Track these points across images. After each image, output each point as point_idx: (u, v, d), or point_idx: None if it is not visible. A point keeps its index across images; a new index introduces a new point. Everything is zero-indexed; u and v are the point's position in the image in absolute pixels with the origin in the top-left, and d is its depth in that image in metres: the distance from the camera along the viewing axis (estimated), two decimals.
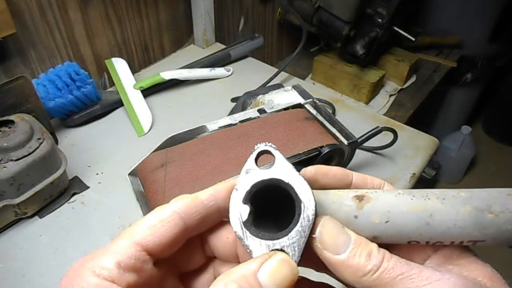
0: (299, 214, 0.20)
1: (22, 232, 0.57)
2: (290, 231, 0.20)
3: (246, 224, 0.20)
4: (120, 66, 0.83)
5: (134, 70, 0.89)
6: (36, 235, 0.57)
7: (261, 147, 0.22)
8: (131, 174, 0.46)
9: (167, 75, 0.82)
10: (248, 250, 0.20)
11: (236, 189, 0.21)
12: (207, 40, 0.99)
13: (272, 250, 0.20)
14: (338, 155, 0.47)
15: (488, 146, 2.17)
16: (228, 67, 0.91)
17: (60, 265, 0.53)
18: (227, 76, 0.90)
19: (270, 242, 0.20)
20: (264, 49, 1.28)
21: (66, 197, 0.61)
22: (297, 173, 0.21)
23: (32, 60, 0.73)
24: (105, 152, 0.70)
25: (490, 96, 2.05)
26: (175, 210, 0.21)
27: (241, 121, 0.49)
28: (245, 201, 0.21)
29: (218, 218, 0.22)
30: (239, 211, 0.21)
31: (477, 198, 0.21)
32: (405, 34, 1.09)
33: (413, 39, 1.09)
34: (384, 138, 0.68)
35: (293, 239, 0.20)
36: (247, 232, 0.20)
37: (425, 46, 1.39)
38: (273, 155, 0.22)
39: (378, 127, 0.63)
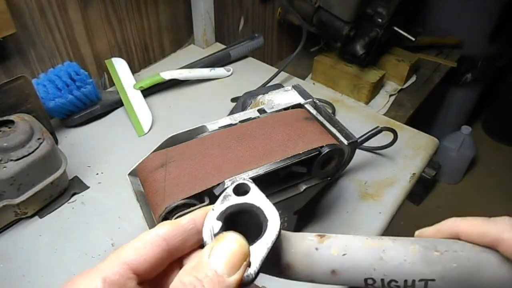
0: (265, 230, 0.22)
1: (22, 232, 0.57)
2: (255, 243, 0.21)
3: (216, 235, 0.22)
4: (120, 66, 0.83)
5: (134, 70, 0.89)
6: (36, 235, 0.57)
7: (240, 180, 0.25)
8: (131, 174, 0.45)
9: (167, 75, 0.82)
10: None
11: (213, 209, 0.23)
12: (207, 40, 0.99)
13: None
14: (338, 155, 0.47)
15: (488, 146, 2.17)
16: (228, 67, 0.91)
17: (60, 265, 0.53)
18: (227, 76, 0.90)
19: None
20: (264, 49, 1.28)
21: (66, 197, 0.61)
22: (268, 201, 0.23)
23: (32, 60, 0.73)
24: (105, 152, 0.70)
25: (490, 96, 2.05)
26: (158, 233, 0.23)
27: (241, 121, 0.49)
28: (219, 218, 0.23)
29: (198, 241, 0.24)
30: (212, 225, 0.23)
31: (424, 240, 0.24)
32: (405, 34, 1.09)
33: (413, 39, 1.09)
34: (384, 138, 0.68)
35: (256, 248, 0.21)
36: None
37: (425, 46, 1.39)
38: (249, 186, 0.24)
39: (378, 127, 0.63)
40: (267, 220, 0.22)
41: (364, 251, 0.23)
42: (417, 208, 1.87)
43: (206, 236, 0.22)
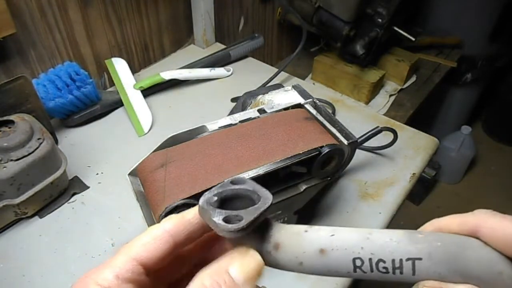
0: (258, 201, 0.23)
1: (22, 232, 0.57)
2: (248, 208, 0.23)
3: (211, 203, 0.23)
4: (120, 66, 0.83)
5: (134, 70, 0.89)
6: (36, 235, 0.57)
7: (236, 176, 0.27)
8: (131, 174, 0.45)
9: (167, 75, 0.82)
10: (208, 215, 0.23)
11: (210, 191, 0.25)
12: (207, 40, 0.99)
13: (230, 215, 0.22)
14: (338, 155, 0.47)
15: (488, 146, 2.17)
16: (228, 67, 0.91)
17: (60, 265, 0.53)
18: (227, 76, 0.90)
19: (228, 211, 0.23)
20: (264, 49, 1.28)
21: (66, 197, 0.61)
22: (262, 187, 0.25)
23: (32, 60, 0.73)
24: (105, 152, 0.70)
25: (490, 96, 2.05)
26: (165, 229, 0.24)
27: (241, 121, 0.49)
28: (215, 195, 0.24)
29: (203, 234, 0.26)
30: (208, 197, 0.24)
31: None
32: (405, 34, 1.09)
33: (413, 39, 1.09)
34: (384, 138, 0.68)
35: (249, 211, 0.23)
36: (211, 206, 0.23)
37: (425, 46, 1.39)
38: (245, 180, 0.26)
39: (378, 127, 0.63)
40: (260, 197, 0.24)
41: (352, 232, 0.24)
42: (417, 208, 1.87)
43: (202, 202, 0.23)
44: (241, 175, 0.41)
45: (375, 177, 0.67)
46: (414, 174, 0.68)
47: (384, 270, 0.23)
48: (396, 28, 1.09)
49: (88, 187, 0.64)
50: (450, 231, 0.24)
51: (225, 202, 0.24)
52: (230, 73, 0.91)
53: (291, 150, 0.44)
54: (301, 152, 0.44)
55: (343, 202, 0.63)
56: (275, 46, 1.34)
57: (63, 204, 0.61)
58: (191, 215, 0.25)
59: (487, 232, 0.22)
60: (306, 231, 0.24)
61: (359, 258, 0.23)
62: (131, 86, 0.80)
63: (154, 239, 0.24)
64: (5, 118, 0.56)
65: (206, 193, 0.24)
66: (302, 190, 0.49)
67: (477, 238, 0.23)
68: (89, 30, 0.79)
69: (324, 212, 0.61)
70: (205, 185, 0.40)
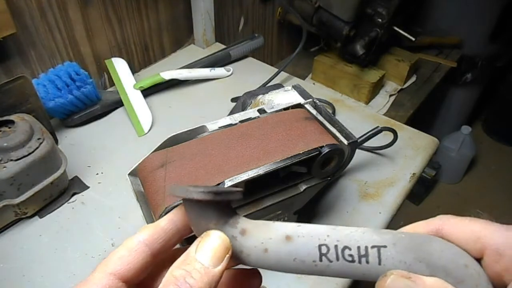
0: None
1: (22, 232, 0.57)
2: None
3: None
4: (120, 66, 0.83)
5: (134, 70, 0.89)
6: (36, 235, 0.57)
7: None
8: (131, 174, 0.45)
9: (167, 75, 0.82)
10: (178, 190, 0.23)
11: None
12: (207, 40, 0.99)
13: (199, 186, 0.23)
14: (338, 155, 0.47)
15: (488, 146, 2.17)
16: (228, 67, 0.91)
17: (60, 265, 0.53)
18: (227, 76, 0.90)
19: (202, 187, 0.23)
20: (264, 49, 1.28)
21: (66, 197, 0.61)
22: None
23: (32, 60, 0.73)
24: (105, 152, 0.70)
25: (490, 96, 2.05)
26: (140, 240, 0.24)
27: (241, 121, 0.49)
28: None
29: (179, 241, 0.26)
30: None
31: None
32: (405, 34, 1.09)
33: (413, 39, 1.09)
34: (384, 138, 0.68)
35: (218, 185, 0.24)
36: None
37: (425, 46, 1.39)
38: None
39: (378, 127, 0.63)
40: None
41: (317, 225, 0.24)
42: (417, 208, 1.87)
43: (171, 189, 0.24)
44: (241, 175, 0.41)
45: (375, 177, 0.67)
46: (414, 174, 0.68)
47: (350, 259, 0.23)
48: (396, 28, 1.09)
49: (88, 187, 0.64)
50: (416, 231, 0.25)
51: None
52: (230, 73, 0.91)
53: (291, 150, 0.44)
54: (301, 152, 0.44)
55: (343, 202, 0.63)
56: (275, 46, 1.34)
57: (63, 204, 0.61)
58: (165, 222, 0.25)
59: (449, 229, 0.24)
60: (273, 222, 0.25)
61: (325, 244, 0.23)
62: (131, 86, 0.80)
63: (129, 251, 0.24)
64: (5, 118, 0.56)
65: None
66: (302, 190, 0.49)
67: (441, 237, 0.24)
68: (89, 30, 0.79)
69: (324, 212, 0.61)
70: (205, 185, 0.40)
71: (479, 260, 0.23)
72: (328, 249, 0.23)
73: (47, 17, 0.71)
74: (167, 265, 0.26)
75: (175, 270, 0.22)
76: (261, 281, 0.27)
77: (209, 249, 0.23)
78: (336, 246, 0.23)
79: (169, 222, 0.25)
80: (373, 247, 0.23)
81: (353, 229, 0.24)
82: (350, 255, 0.23)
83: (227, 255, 0.23)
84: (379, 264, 0.22)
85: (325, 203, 0.63)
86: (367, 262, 0.22)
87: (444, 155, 1.84)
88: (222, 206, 0.24)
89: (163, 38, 0.95)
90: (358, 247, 0.23)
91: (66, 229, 0.58)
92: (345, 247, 0.23)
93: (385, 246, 0.22)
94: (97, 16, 0.79)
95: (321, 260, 0.23)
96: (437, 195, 1.94)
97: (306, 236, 0.23)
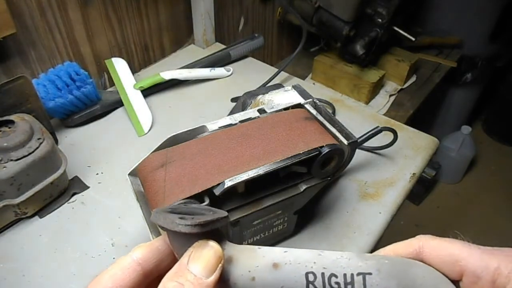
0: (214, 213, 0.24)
1: (22, 232, 0.57)
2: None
3: (163, 210, 0.24)
4: (120, 66, 0.83)
5: (134, 70, 0.89)
6: (36, 235, 0.57)
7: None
8: (131, 174, 0.45)
9: (167, 75, 0.82)
10: (162, 217, 0.22)
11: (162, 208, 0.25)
12: (207, 40, 0.99)
13: (185, 216, 0.23)
14: (338, 155, 0.47)
15: (488, 146, 2.17)
16: (228, 67, 0.91)
17: (60, 265, 0.53)
18: (227, 76, 0.90)
19: (182, 214, 0.23)
20: (264, 49, 1.28)
21: (66, 197, 0.61)
22: (217, 209, 0.25)
23: (32, 60, 0.73)
24: (105, 152, 0.70)
25: (490, 96, 2.05)
26: (133, 258, 0.24)
27: (241, 121, 0.49)
28: (168, 210, 0.24)
29: (174, 260, 0.25)
30: (161, 209, 0.24)
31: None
32: (405, 34, 1.09)
33: (413, 39, 1.09)
34: (384, 138, 0.68)
35: (205, 216, 0.23)
36: (163, 212, 0.23)
37: (425, 46, 1.39)
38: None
39: (378, 127, 0.63)
40: (216, 212, 0.24)
41: (304, 251, 0.24)
42: (417, 208, 1.87)
43: (155, 211, 0.23)
44: (241, 175, 0.41)
45: (375, 177, 0.67)
46: (414, 174, 0.68)
47: (336, 286, 0.23)
48: (396, 28, 1.09)
49: (88, 187, 0.64)
50: (397, 254, 0.26)
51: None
52: (230, 73, 0.91)
53: (291, 150, 0.44)
54: (301, 152, 0.44)
55: (343, 202, 0.63)
56: (275, 46, 1.34)
57: (63, 204, 0.61)
58: (160, 242, 0.25)
59: (429, 252, 0.24)
60: (259, 247, 0.25)
61: (312, 272, 0.23)
62: (131, 86, 0.80)
63: (121, 269, 0.24)
64: (5, 118, 0.56)
65: (160, 209, 0.24)
66: (302, 190, 0.49)
67: (421, 260, 0.25)
68: (89, 30, 0.79)
69: (324, 212, 0.61)
70: (205, 185, 0.40)
71: (457, 282, 0.24)
72: (315, 277, 0.23)
73: (47, 17, 0.71)
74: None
75: (168, 282, 0.22)
76: None
77: (201, 260, 0.22)
78: (323, 274, 0.23)
79: (163, 243, 0.25)
80: (358, 274, 0.23)
81: (339, 255, 0.24)
82: (337, 283, 0.23)
83: (220, 265, 0.23)
84: None
85: (325, 203, 0.63)
86: (350, 281, 0.23)
87: (444, 155, 1.84)
88: (208, 234, 0.24)
89: (163, 38, 0.95)
90: (344, 275, 0.23)
91: (66, 229, 0.58)
92: (332, 275, 0.23)
93: (370, 273, 0.23)
94: (97, 16, 0.79)
95: (308, 287, 0.23)
96: (437, 195, 1.94)
97: (293, 263, 0.23)
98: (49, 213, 0.59)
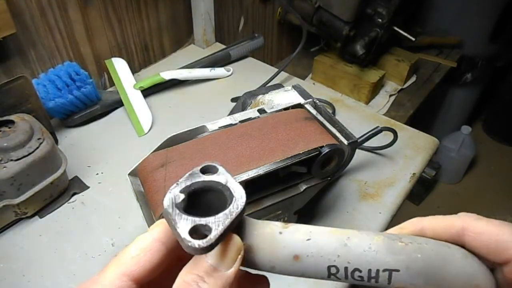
0: (230, 204, 0.21)
1: (22, 232, 0.57)
2: (218, 213, 0.21)
3: (177, 205, 0.21)
4: (120, 66, 0.83)
5: (134, 70, 0.89)
6: (36, 235, 0.57)
7: (208, 162, 0.24)
8: (131, 174, 0.45)
9: (167, 75, 0.82)
10: (173, 224, 0.20)
11: (177, 184, 0.22)
12: (207, 40, 0.99)
13: (197, 224, 0.20)
14: (338, 155, 0.47)
15: (488, 146, 2.17)
16: (228, 67, 0.91)
17: (60, 265, 0.53)
18: (227, 76, 0.90)
19: (196, 218, 0.20)
20: (264, 49, 1.28)
21: (66, 197, 0.61)
22: (235, 180, 0.23)
23: (32, 60, 0.73)
24: (105, 152, 0.70)
25: (490, 96, 2.05)
26: (154, 237, 0.23)
27: (241, 121, 0.49)
28: (182, 191, 0.22)
29: None
30: (174, 195, 0.22)
31: (388, 233, 0.24)
32: (405, 34, 1.09)
33: (413, 39, 1.09)
34: (384, 138, 0.68)
35: (219, 218, 0.20)
36: (177, 210, 0.21)
37: (425, 46, 1.39)
38: (217, 168, 0.23)
39: (378, 127, 0.63)
40: (232, 197, 0.22)
41: (329, 237, 0.23)
42: (417, 208, 1.87)
43: (167, 203, 0.21)
44: (241, 175, 0.41)
45: (375, 177, 0.67)
46: (414, 174, 0.68)
47: (359, 279, 0.22)
48: (396, 28, 1.09)
49: (88, 187, 0.64)
50: (435, 234, 0.24)
51: (194, 195, 0.22)
52: (230, 73, 0.91)
53: (291, 150, 0.44)
54: (301, 152, 0.44)
55: (343, 202, 0.63)
56: (275, 46, 1.34)
57: (63, 204, 0.61)
58: None
59: (472, 237, 0.22)
60: (280, 233, 0.23)
61: (335, 266, 0.22)
62: (131, 86, 0.80)
63: (144, 250, 0.22)
64: (5, 118, 0.56)
65: (173, 187, 0.22)
66: (302, 190, 0.49)
67: (461, 244, 0.23)
68: (89, 30, 0.79)
69: (324, 212, 0.61)
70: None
71: (500, 265, 0.22)
72: (338, 270, 0.22)
73: (47, 17, 0.71)
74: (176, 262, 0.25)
75: (186, 275, 0.21)
76: (268, 286, 0.25)
77: (220, 251, 0.21)
78: (346, 268, 0.22)
79: None
80: (385, 270, 0.22)
81: (366, 246, 0.22)
82: (360, 276, 0.22)
83: (239, 256, 0.22)
84: (388, 283, 0.22)
85: (325, 203, 0.63)
86: (376, 282, 0.22)
87: (444, 155, 1.84)
88: None
89: (163, 38, 0.95)
90: (369, 270, 0.22)
91: (66, 229, 0.58)
92: (356, 269, 0.22)
93: (397, 270, 0.22)
94: (97, 16, 0.79)
95: (329, 277, 0.23)
96: (437, 195, 1.94)
97: (316, 255, 0.22)
98: (49, 213, 0.59)
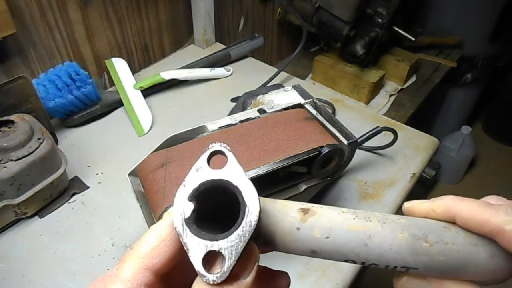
0: (242, 218, 0.20)
1: (22, 232, 0.57)
2: (230, 234, 0.20)
3: (187, 221, 0.20)
4: (120, 66, 0.83)
5: (134, 70, 0.89)
6: (36, 235, 0.57)
7: (216, 146, 0.22)
8: (131, 174, 0.45)
9: (167, 75, 0.82)
10: (186, 248, 0.20)
11: (184, 185, 0.21)
12: (207, 40, 0.99)
13: (209, 250, 0.19)
14: (338, 155, 0.47)
15: (488, 146, 2.17)
16: (228, 67, 0.91)
17: (60, 265, 0.53)
18: (227, 76, 0.90)
19: (208, 243, 0.20)
20: (264, 49, 1.28)
21: (66, 197, 0.61)
22: (247, 177, 0.21)
23: (32, 60, 0.73)
24: (105, 152, 0.70)
25: (490, 96, 2.05)
26: (170, 226, 0.21)
27: (241, 121, 0.49)
28: (191, 198, 0.21)
29: None
30: (183, 207, 0.21)
31: (415, 226, 0.22)
32: (405, 34, 1.09)
33: (413, 39, 1.09)
34: (384, 138, 0.68)
35: (232, 242, 0.19)
36: (187, 229, 0.20)
37: (425, 46, 1.39)
38: (226, 156, 0.22)
39: (378, 127, 0.63)
40: (245, 205, 0.20)
41: (349, 235, 0.22)
42: None
43: (177, 223, 0.20)
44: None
45: (375, 177, 0.67)
46: (414, 174, 0.68)
47: (374, 267, 0.23)
48: (396, 28, 1.09)
49: (88, 187, 0.64)
50: (467, 226, 0.22)
51: (202, 194, 0.21)
52: (230, 73, 0.91)
53: (291, 150, 0.44)
54: (301, 152, 0.44)
55: (343, 202, 0.63)
56: (275, 46, 1.34)
57: (63, 204, 0.61)
58: None
59: (509, 238, 0.21)
60: (298, 228, 0.22)
61: (352, 260, 0.23)
62: (131, 86, 0.80)
63: (162, 240, 0.21)
64: (5, 118, 0.56)
65: (180, 193, 0.21)
66: (302, 190, 0.49)
67: (495, 240, 0.21)
68: (89, 30, 0.79)
69: None
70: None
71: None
72: (354, 262, 0.23)
73: (47, 17, 0.71)
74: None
75: (204, 285, 0.20)
76: (289, 283, 0.25)
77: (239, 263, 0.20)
78: (363, 263, 0.22)
79: None
80: (403, 267, 0.22)
81: (387, 247, 0.21)
82: (375, 266, 0.22)
83: (256, 264, 0.21)
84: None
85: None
86: (391, 269, 0.22)
87: (444, 155, 1.84)
88: None
89: (163, 38, 0.95)
90: (387, 266, 0.22)
91: (66, 229, 0.58)
92: (373, 264, 0.22)
93: (415, 268, 0.22)
94: (97, 16, 0.79)
95: (345, 261, 0.23)
96: (437, 195, 1.91)
97: (333, 252, 0.22)
98: (49, 213, 0.59)
